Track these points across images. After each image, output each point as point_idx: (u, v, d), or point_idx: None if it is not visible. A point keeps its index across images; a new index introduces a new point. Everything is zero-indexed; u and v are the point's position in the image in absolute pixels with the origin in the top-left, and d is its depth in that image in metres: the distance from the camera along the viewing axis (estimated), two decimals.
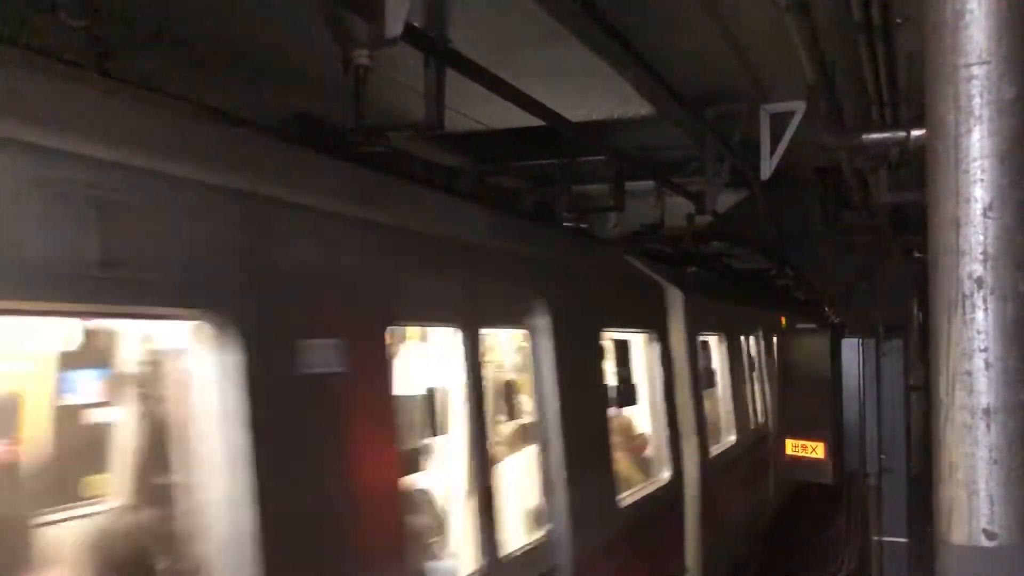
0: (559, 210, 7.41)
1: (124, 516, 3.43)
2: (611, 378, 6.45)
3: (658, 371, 7.38)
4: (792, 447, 6.50)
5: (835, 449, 6.21)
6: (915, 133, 5.65)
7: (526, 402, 5.43)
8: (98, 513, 3.69)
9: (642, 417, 7.31)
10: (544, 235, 6.27)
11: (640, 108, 6.40)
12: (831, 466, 6.17)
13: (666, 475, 7.30)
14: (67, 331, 3.51)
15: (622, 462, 6.59)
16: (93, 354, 3.72)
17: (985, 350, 2.15)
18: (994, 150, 2.13)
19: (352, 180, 3.94)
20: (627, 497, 6.36)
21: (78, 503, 4.01)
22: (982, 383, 2.16)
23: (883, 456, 6.11)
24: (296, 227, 3.27)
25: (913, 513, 6.35)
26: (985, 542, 2.17)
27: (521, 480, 5.15)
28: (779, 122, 7.18)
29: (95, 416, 4.03)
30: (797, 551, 11.45)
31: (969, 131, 2.14)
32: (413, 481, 4.63)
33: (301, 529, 3.03)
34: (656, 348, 7.39)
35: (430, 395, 4.93)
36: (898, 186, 7.96)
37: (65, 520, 3.89)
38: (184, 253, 2.72)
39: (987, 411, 2.16)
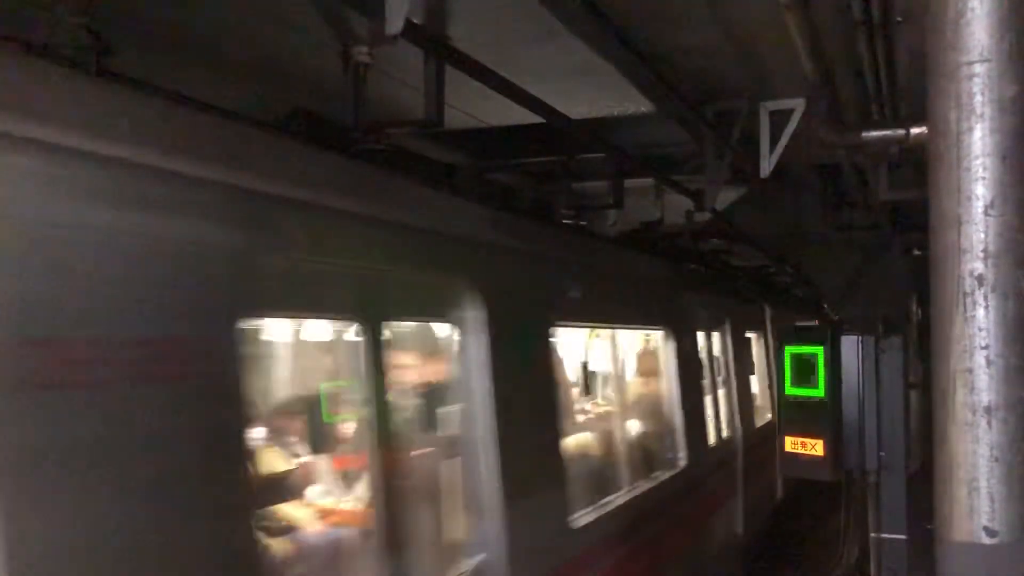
0: (559, 207, 7.40)
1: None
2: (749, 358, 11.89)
3: (762, 355, 12.63)
4: (791, 444, 6.48)
5: (834, 446, 6.19)
6: (915, 131, 5.65)
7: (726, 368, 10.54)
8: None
9: (755, 381, 12.18)
10: (733, 293, 11.48)
11: (640, 105, 6.39)
12: (830, 463, 6.14)
13: (768, 416, 11.58)
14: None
15: (753, 405, 11.53)
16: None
17: (986, 347, 2.15)
18: (995, 148, 2.13)
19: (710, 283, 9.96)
20: (757, 424, 11.28)
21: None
22: (983, 380, 2.16)
23: (882, 453, 6.08)
24: (692, 302, 8.92)
25: (912, 510, 6.34)
26: (986, 539, 2.17)
27: (724, 406, 10.21)
28: (779, 119, 7.18)
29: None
30: (796, 547, 11.47)
31: (971, 129, 2.14)
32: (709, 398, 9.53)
33: (697, 410, 8.37)
34: (761, 342, 12.75)
35: (711, 361, 9.74)
36: (898, 184, 7.97)
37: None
38: (668, 309, 8.13)
39: (988, 409, 2.16)
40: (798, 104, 6.89)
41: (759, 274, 14.23)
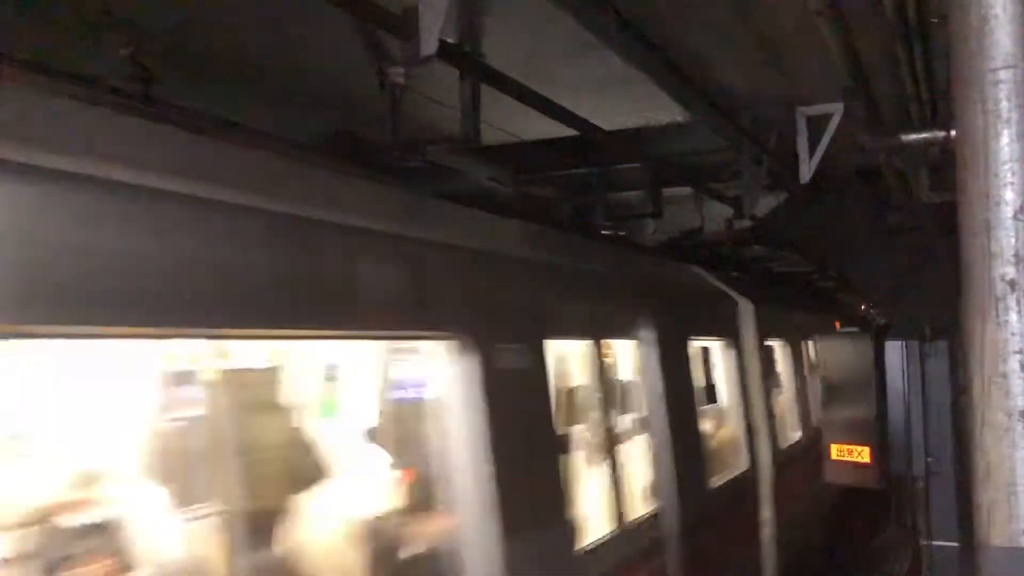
0: (597, 218, 7.44)
1: None
2: None
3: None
4: (837, 451, 6.43)
5: (881, 453, 6.13)
6: (955, 133, 5.58)
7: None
8: None
9: None
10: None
11: (675, 114, 6.42)
12: (877, 470, 6.08)
13: None
14: None
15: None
16: None
17: (1019, 352, 2.15)
18: (1023, 153, 2.13)
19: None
20: None
21: None
22: (1017, 385, 2.16)
23: (930, 459, 6.01)
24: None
25: (963, 516, 6.24)
26: None
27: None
28: (816, 124, 7.14)
29: None
30: (848, 556, 11.33)
31: (997, 135, 2.15)
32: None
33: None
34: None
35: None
36: (940, 185, 7.86)
37: None
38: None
39: (1023, 413, 2.16)
40: (835, 108, 6.84)
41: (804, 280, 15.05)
